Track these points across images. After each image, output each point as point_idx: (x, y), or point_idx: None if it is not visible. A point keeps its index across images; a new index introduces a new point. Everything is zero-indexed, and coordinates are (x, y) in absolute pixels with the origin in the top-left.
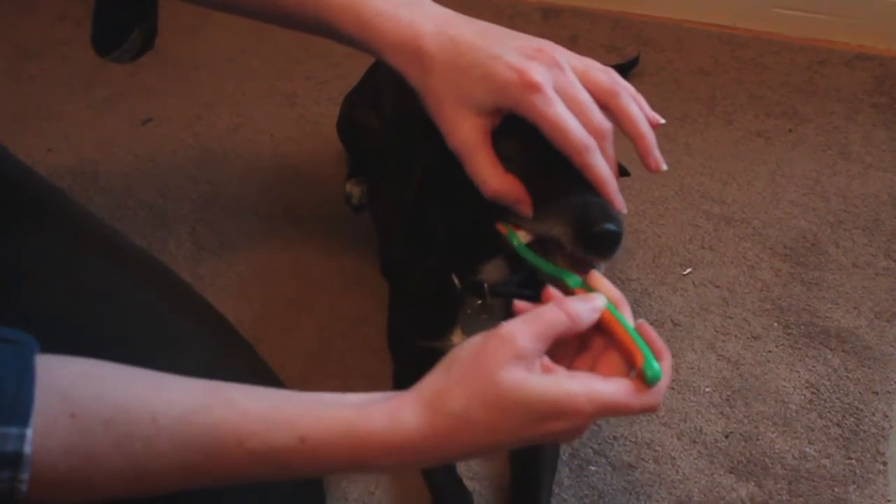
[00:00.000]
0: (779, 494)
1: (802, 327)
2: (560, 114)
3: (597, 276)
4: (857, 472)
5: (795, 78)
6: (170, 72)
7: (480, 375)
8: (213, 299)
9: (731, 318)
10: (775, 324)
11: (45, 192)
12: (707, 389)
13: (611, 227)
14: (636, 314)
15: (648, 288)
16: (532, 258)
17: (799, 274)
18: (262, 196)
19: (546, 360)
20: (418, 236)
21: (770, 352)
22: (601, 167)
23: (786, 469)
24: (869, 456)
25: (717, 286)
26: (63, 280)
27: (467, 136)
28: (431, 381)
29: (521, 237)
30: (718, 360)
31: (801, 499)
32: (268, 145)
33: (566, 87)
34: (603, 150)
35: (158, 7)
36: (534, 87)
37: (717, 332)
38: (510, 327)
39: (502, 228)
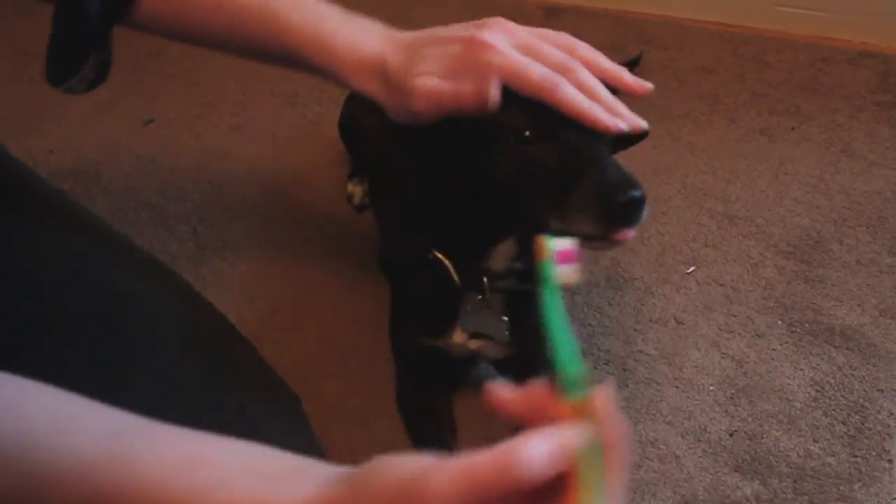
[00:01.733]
0: (784, 493)
1: (807, 325)
2: (517, 59)
3: (601, 400)
4: (863, 469)
5: (798, 75)
6: (171, 73)
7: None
8: (215, 299)
9: (734, 316)
10: (779, 322)
11: (47, 193)
12: (711, 388)
13: (636, 193)
14: (639, 314)
15: (652, 286)
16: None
17: (803, 272)
18: (264, 196)
19: None
20: (421, 230)
21: (774, 350)
22: (575, 98)
23: (791, 467)
24: (874, 454)
25: (721, 284)
26: (64, 281)
27: (434, 83)
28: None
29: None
30: (722, 358)
31: (806, 497)
32: (269, 146)
33: (519, 42)
34: (576, 82)
35: (113, 39)
36: (484, 46)
37: (720, 330)
38: (437, 476)
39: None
